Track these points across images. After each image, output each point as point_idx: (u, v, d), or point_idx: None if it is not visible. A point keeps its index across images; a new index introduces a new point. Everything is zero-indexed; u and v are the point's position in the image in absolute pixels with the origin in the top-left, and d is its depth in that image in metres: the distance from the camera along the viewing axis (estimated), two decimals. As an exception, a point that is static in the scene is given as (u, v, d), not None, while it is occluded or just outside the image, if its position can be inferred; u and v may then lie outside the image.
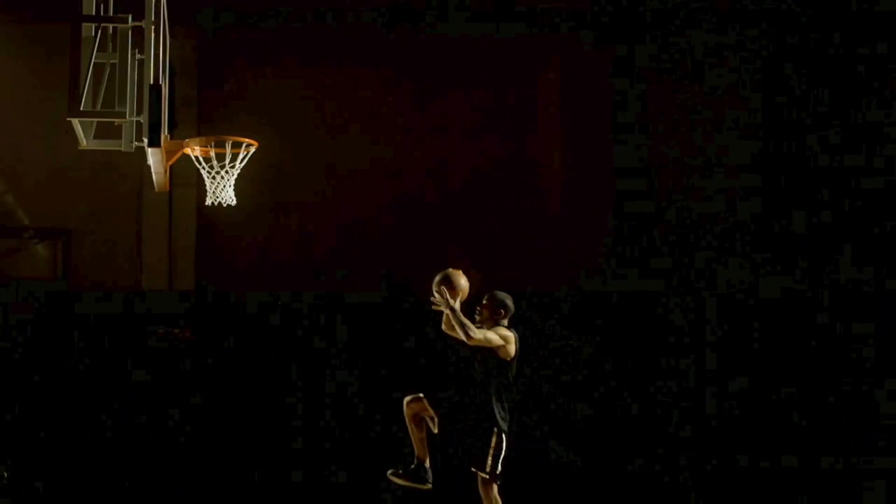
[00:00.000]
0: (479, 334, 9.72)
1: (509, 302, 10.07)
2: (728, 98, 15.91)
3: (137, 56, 10.09)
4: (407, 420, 10.05)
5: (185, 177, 13.55)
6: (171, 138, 10.53)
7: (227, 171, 10.70)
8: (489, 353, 9.86)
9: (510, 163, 15.87)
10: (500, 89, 15.95)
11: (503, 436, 9.86)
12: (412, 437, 10.09)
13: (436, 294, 9.79)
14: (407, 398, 10.03)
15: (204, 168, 10.72)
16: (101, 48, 10.07)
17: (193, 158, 10.75)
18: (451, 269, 9.95)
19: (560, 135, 15.90)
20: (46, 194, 15.47)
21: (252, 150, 10.65)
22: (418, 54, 15.88)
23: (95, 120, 10.30)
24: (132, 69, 10.06)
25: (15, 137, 15.23)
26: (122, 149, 10.30)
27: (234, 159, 10.67)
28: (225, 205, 10.82)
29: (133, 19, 9.98)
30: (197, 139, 10.79)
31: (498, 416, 9.83)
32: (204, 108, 15.60)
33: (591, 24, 15.87)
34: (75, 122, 10.05)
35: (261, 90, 15.79)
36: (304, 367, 15.06)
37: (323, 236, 15.71)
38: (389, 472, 10.12)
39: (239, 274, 15.54)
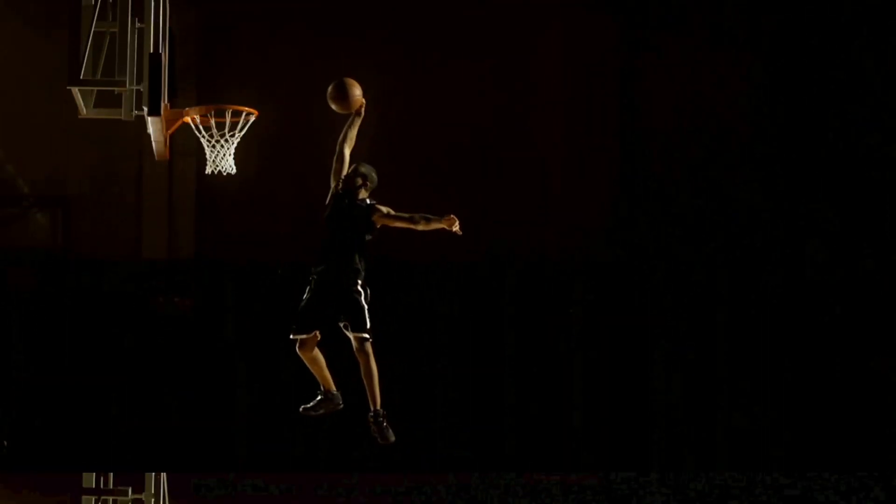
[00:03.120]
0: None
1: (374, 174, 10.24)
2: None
3: (137, 24, 10.09)
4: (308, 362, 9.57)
5: (185, 145, 13.55)
6: (170, 107, 10.53)
7: (226, 140, 10.71)
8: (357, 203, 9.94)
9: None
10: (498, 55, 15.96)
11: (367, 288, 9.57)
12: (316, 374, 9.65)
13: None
14: (297, 344, 9.48)
15: (204, 137, 10.73)
16: (102, 17, 10.07)
17: (193, 127, 10.75)
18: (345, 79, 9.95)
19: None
20: (46, 162, 15.44)
21: (252, 118, 10.66)
22: (420, 20, 15.84)
23: (95, 88, 10.33)
24: (132, 37, 10.05)
25: (14, 106, 15.20)
26: (123, 117, 10.32)
27: (233, 128, 10.68)
28: (225, 173, 10.83)
29: (133, -13, 9.99)
30: (196, 108, 10.80)
31: (363, 270, 9.56)
32: (204, 77, 15.56)
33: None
34: (75, 90, 10.06)
35: (262, 58, 15.73)
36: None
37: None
38: (301, 408, 9.69)
39: (238, 242, 15.52)
